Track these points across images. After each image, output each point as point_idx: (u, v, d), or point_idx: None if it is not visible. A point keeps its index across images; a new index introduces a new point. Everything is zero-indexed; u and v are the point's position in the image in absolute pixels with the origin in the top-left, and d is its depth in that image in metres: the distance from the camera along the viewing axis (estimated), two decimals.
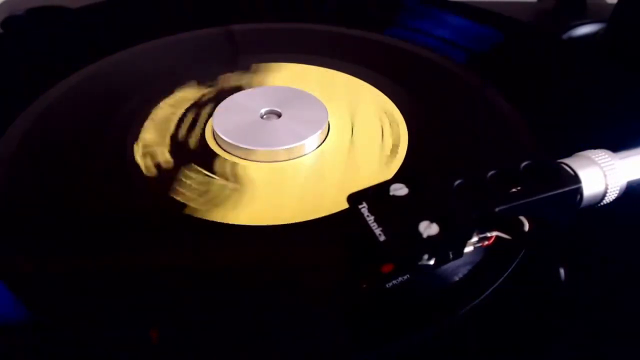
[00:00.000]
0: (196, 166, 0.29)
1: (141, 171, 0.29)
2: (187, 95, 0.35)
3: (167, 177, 0.28)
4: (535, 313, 0.23)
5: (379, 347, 0.21)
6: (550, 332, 0.22)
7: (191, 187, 0.28)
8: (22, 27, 0.44)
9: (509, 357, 0.22)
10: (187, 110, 0.33)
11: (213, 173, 0.29)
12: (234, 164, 0.29)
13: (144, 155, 0.30)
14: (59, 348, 0.21)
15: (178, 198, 0.27)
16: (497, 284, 0.23)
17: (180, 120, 0.32)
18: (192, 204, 0.27)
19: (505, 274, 0.23)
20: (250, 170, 0.29)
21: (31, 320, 0.22)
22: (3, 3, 0.47)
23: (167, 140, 0.31)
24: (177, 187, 0.28)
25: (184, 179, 0.28)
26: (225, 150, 0.30)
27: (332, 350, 0.21)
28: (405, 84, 0.36)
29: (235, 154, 0.30)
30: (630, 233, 0.26)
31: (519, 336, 0.22)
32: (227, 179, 0.28)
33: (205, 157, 0.30)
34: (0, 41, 0.42)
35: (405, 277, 0.21)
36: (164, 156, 0.30)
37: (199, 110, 0.33)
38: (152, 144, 0.31)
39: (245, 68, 0.37)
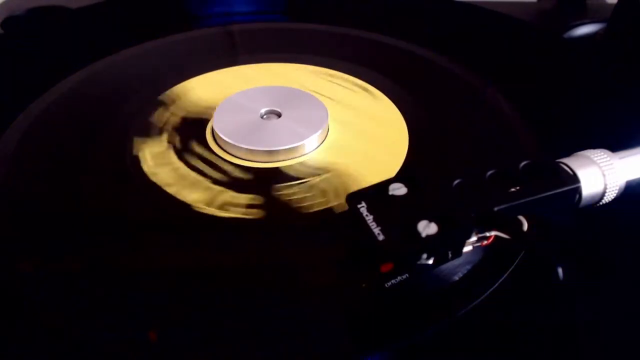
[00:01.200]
0: (196, 166, 0.29)
1: (141, 171, 0.29)
2: (187, 95, 0.35)
3: (167, 177, 0.28)
4: (535, 313, 0.23)
5: (379, 347, 0.21)
6: (550, 332, 0.22)
7: (191, 187, 0.28)
8: (22, 27, 0.44)
9: (509, 357, 0.22)
10: (187, 110, 0.33)
11: (213, 173, 0.29)
12: (234, 164, 0.29)
13: (144, 155, 0.30)
14: (59, 348, 0.21)
15: (178, 198, 0.27)
16: (497, 284, 0.23)
17: (180, 120, 0.33)
18: (192, 204, 0.27)
19: (506, 274, 0.23)
20: (250, 170, 0.29)
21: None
22: (3, 3, 0.47)
23: (167, 140, 0.31)
24: (177, 187, 0.28)
25: (184, 179, 0.28)
26: (225, 150, 0.30)
27: (331, 350, 0.21)
28: (405, 84, 0.36)
29: (235, 154, 0.30)
30: (629, 233, 0.26)
31: (519, 336, 0.22)
32: (227, 178, 0.28)
33: (206, 157, 0.30)
34: (0, 41, 0.42)
35: (404, 277, 0.21)
36: (164, 156, 0.30)
37: (199, 110, 0.33)
38: (152, 144, 0.31)
39: (245, 67, 0.37)
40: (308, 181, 0.28)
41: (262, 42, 0.42)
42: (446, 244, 0.20)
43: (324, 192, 0.28)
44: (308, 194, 0.28)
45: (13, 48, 0.41)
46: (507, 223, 0.21)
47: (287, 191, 0.28)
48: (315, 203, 0.27)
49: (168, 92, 0.35)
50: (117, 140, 0.31)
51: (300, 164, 0.29)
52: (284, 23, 0.44)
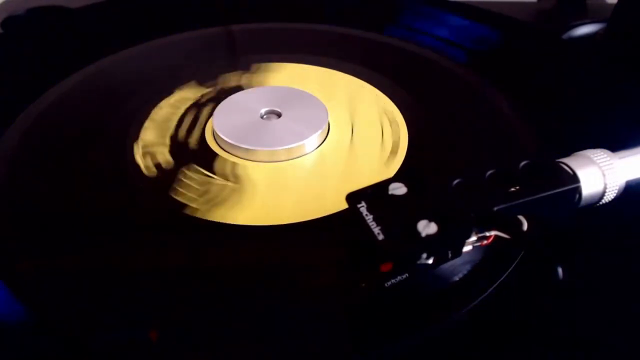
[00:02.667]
0: (196, 166, 0.29)
1: (141, 171, 0.29)
2: (187, 95, 0.35)
3: (167, 177, 0.28)
4: (535, 313, 0.23)
5: (378, 347, 0.21)
6: (550, 332, 0.22)
7: (191, 187, 0.28)
8: (22, 27, 0.44)
9: (508, 357, 0.22)
10: (187, 110, 0.33)
11: (213, 173, 0.29)
12: (234, 164, 0.29)
13: (144, 155, 0.30)
14: (59, 348, 0.21)
15: (178, 198, 0.27)
16: (497, 284, 0.23)
17: (180, 120, 0.33)
18: (192, 204, 0.27)
19: (505, 274, 0.23)
20: (250, 170, 0.29)
21: (31, 320, 0.22)
22: (3, 3, 0.47)
23: (167, 140, 0.31)
24: (177, 187, 0.28)
25: (184, 179, 0.28)
26: (225, 150, 0.30)
27: (331, 350, 0.21)
28: (405, 84, 0.36)
29: (235, 154, 0.30)
30: (628, 232, 0.26)
31: (519, 336, 0.22)
32: (227, 179, 0.28)
33: (205, 157, 0.30)
34: (0, 41, 0.42)
35: (404, 276, 0.21)
36: (164, 156, 0.30)
37: (199, 110, 0.33)
38: (152, 144, 0.31)
39: (245, 68, 0.37)
40: (308, 181, 0.28)
41: (262, 42, 0.42)
42: (446, 244, 0.20)
43: (323, 192, 0.28)
44: (307, 194, 0.28)
45: (13, 48, 0.41)
46: (507, 223, 0.21)
47: (287, 191, 0.28)
48: (315, 203, 0.27)
49: (168, 91, 0.35)
50: (117, 140, 0.31)
51: (300, 164, 0.29)
52: (284, 23, 0.44)
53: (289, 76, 0.37)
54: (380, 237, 0.19)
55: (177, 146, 0.30)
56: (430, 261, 0.20)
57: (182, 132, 0.32)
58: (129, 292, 0.23)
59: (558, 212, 0.22)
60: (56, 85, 0.36)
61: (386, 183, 0.21)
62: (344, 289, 0.23)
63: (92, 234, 0.26)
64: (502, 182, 0.21)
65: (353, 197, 0.21)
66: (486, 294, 0.23)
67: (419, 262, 0.20)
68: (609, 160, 0.23)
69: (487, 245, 0.22)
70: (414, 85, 0.36)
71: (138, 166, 0.29)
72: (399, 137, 0.31)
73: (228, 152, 0.30)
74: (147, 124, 0.32)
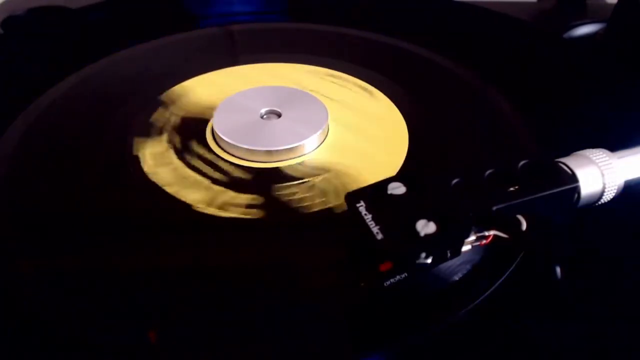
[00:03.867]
0: (196, 166, 0.29)
1: (141, 171, 0.29)
2: (187, 95, 0.35)
3: (167, 177, 0.28)
4: (535, 313, 0.23)
5: (378, 347, 0.21)
6: (549, 331, 0.22)
7: (191, 187, 0.28)
8: (22, 27, 0.44)
9: (508, 357, 0.22)
10: (187, 110, 0.33)
11: (213, 173, 0.29)
12: (234, 164, 0.29)
13: (144, 155, 0.30)
14: (59, 348, 0.21)
15: (178, 198, 0.27)
16: (497, 284, 0.23)
17: (180, 120, 0.33)
18: (192, 204, 0.27)
19: (505, 274, 0.23)
20: (249, 169, 0.29)
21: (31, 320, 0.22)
22: (3, 3, 0.47)
23: (167, 140, 0.31)
24: (177, 187, 0.28)
25: (184, 179, 0.28)
26: (225, 150, 0.30)
27: (331, 351, 0.21)
28: (405, 84, 0.36)
29: (235, 154, 0.30)
30: (628, 232, 0.26)
31: (519, 336, 0.22)
32: (227, 178, 0.28)
33: (206, 157, 0.30)
34: (0, 41, 0.42)
35: (403, 276, 0.21)
36: (164, 156, 0.30)
37: (199, 110, 0.33)
38: (152, 144, 0.31)
39: (245, 68, 0.38)
40: (308, 181, 0.28)
41: (262, 42, 0.42)
42: (445, 243, 0.20)
43: (323, 192, 0.28)
44: (308, 194, 0.28)
45: (13, 48, 0.41)
46: (506, 222, 0.21)
47: (287, 191, 0.28)
48: (315, 203, 0.27)
49: (168, 92, 0.35)
50: (117, 140, 0.31)
51: (300, 164, 0.29)
52: (284, 23, 0.44)
53: (289, 76, 0.37)
54: (379, 236, 0.19)
55: (177, 146, 0.30)
56: (429, 260, 0.20)
57: (182, 132, 0.32)
58: (129, 292, 0.23)
59: (557, 211, 0.22)
60: (56, 85, 0.36)
61: (385, 182, 0.21)
62: (344, 289, 0.23)
63: (92, 234, 0.26)
64: (501, 182, 0.21)
65: (352, 197, 0.21)
66: (486, 294, 0.23)
67: (418, 261, 0.20)
68: (607, 160, 0.23)
69: (486, 245, 0.22)
70: (414, 85, 0.36)
71: (138, 166, 0.29)
72: (399, 137, 0.31)
73: (228, 152, 0.30)
74: (147, 124, 0.32)
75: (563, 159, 0.23)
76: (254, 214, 0.26)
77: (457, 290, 0.23)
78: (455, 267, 0.23)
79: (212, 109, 0.33)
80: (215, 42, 0.42)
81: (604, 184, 0.22)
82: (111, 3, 0.46)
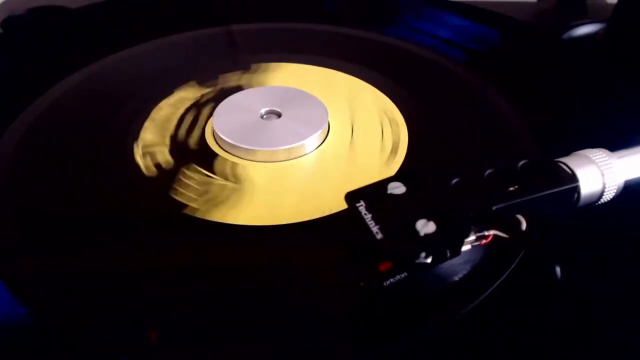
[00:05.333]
0: (196, 166, 0.29)
1: (141, 171, 0.29)
2: (187, 95, 0.35)
3: (167, 177, 0.28)
4: (534, 313, 0.23)
5: (378, 347, 0.21)
6: (549, 331, 0.22)
7: (191, 187, 0.28)
8: (22, 27, 0.44)
9: (508, 356, 0.22)
10: (187, 110, 0.33)
11: (213, 173, 0.29)
12: (234, 164, 0.29)
13: (144, 155, 0.30)
14: (59, 348, 0.21)
15: (178, 198, 0.27)
16: (496, 284, 0.23)
17: (180, 120, 0.33)
18: (192, 204, 0.27)
19: (505, 274, 0.23)
20: (250, 170, 0.29)
21: (31, 320, 0.22)
22: (3, 3, 0.47)
23: (167, 140, 0.31)
24: (177, 187, 0.28)
25: (184, 179, 0.28)
26: (225, 150, 0.30)
27: (331, 351, 0.21)
28: (405, 84, 0.36)
29: (235, 154, 0.30)
30: (627, 232, 0.26)
31: (519, 336, 0.22)
32: (227, 179, 0.28)
33: (205, 157, 0.30)
34: (0, 41, 0.42)
35: (403, 276, 0.21)
36: (164, 156, 0.30)
37: (199, 110, 0.33)
38: (152, 144, 0.31)
39: (245, 68, 0.38)
40: (307, 182, 0.28)
41: (262, 42, 0.42)
42: (445, 243, 0.20)
43: (323, 192, 0.28)
44: (307, 194, 0.28)
45: (13, 48, 0.41)
46: (506, 222, 0.21)
47: (287, 191, 0.28)
48: (315, 203, 0.27)
49: (168, 92, 0.35)
50: (117, 140, 0.31)
51: (300, 164, 0.29)
52: (284, 23, 0.44)
53: (289, 76, 0.37)
54: (379, 236, 0.19)
55: (177, 146, 0.31)
56: (429, 260, 0.20)
57: (182, 132, 0.32)
58: (129, 292, 0.23)
59: (557, 211, 0.22)
60: (56, 85, 0.36)
61: (385, 182, 0.21)
62: (344, 289, 0.23)
63: (92, 234, 0.26)
64: (501, 182, 0.21)
65: (352, 196, 0.21)
66: (486, 294, 0.23)
67: (417, 261, 0.20)
68: (607, 160, 0.23)
69: (486, 245, 0.22)
70: (414, 85, 0.36)
71: (138, 166, 0.29)
72: (399, 137, 0.31)
73: (228, 152, 0.30)
74: (147, 124, 0.32)
75: (563, 159, 0.23)
76: (254, 214, 0.26)
77: (457, 290, 0.23)
78: (455, 267, 0.23)
79: (212, 109, 0.33)
80: (215, 42, 0.42)
81: (604, 184, 0.22)
82: (111, 3, 0.46)
